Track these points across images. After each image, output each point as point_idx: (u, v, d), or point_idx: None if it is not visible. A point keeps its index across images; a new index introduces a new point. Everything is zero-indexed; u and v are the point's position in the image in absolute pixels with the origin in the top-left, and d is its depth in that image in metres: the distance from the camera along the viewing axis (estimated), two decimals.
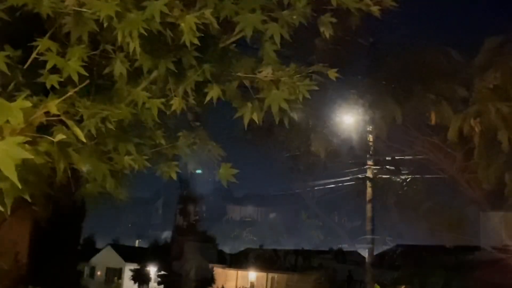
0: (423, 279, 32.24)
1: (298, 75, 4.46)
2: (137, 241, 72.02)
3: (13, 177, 2.26)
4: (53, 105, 2.93)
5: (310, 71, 4.54)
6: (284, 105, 4.36)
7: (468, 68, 10.36)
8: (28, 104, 2.48)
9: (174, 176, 4.70)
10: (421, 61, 10.15)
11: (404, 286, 34.41)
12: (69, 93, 3.28)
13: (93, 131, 3.76)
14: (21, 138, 2.34)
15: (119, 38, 3.75)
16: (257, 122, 4.62)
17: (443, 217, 13.42)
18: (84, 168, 3.78)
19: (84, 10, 3.67)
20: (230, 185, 4.73)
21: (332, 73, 4.55)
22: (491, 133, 9.55)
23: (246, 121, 4.54)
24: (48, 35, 3.80)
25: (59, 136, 2.75)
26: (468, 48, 10.78)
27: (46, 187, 3.15)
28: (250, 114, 4.51)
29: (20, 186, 2.30)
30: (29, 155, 2.27)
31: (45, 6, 3.57)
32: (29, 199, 2.57)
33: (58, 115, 3.16)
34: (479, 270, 28.63)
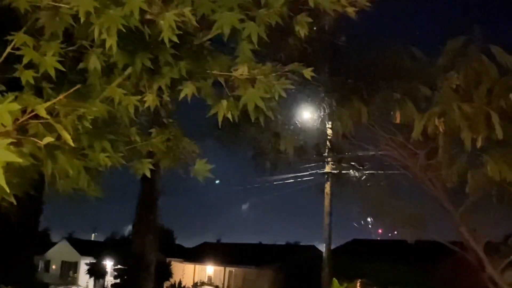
0: (380, 273, 32.83)
1: (274, 74, 4.47)
2: (93, 235, 71.16)
3: (1, 180, 2.20)
4: (42, 109, 2.87)
5: (286, 70, 4.56)
6: (260, 104, 4.36)
7: (431, 68, 10.56)
8: (16, 107, 2.43)
9: (148, 174, 4.67)
10: (386, 60, 10.29)
11: (360, 280, 34.98)
12: (60, 96, 3.21)
13: (70, 129, 3.71)
14: (7, 140, 2.28)
15: (96, 34, 3.70)
16: (231, 120, 4.62)
17: (405, 213, 13.67)
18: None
19: (62, 5, 3.61)
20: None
21: (308, 72, 4.58)
22: (455, 132, 9.75)
23: (220, 118, 4.53)
24: (23, 29, 3.72)
25: (47, 139, 2.69)
26: (432, 48, 11.01)
27: (30, 188, 3.10)
28: (225, 111, 4.51)
29: (8, 191, 2.24)
30: (16, 158, 2.21)
31: (23, 1, 3.50)
32: (14, 202, 2.52)
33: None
34: (437, 264, 29.32)
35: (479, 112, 9.65)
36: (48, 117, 3.01)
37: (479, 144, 9.66)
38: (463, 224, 12.68)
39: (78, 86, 4.02)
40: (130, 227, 41.18)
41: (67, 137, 2.94)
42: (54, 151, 3.10)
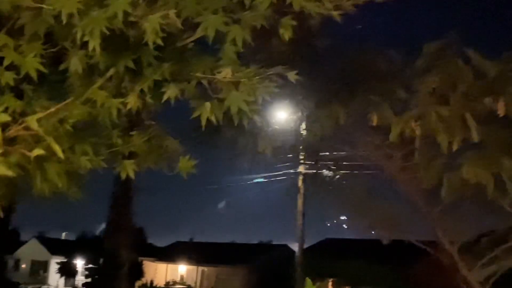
0: (353, 272, 33.05)
1: (257, 77, 4.44)
2: (63, 234, 70.35)
3: None
4: (34, 121, 2.79)
5: (270, 73, 4.53)
6: (244, 107, 4.34)
7: (409, 71, 10.63)
8: (6, 118, 2.35)
9: (132, 175, 4.62)
10: (364, 63, 10.34)
11: (332, 279, 35.19)
12: (52, 109, 3.13)
13: (52, 133, 3.63)
14: None
15: (78, 36, 3.63)
16: (214, 122, 4.59)
17: (381, 214, 13.77)
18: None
19: (44, 6, 3.53)
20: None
21: (292, 76, 4.57)
22: (431, 135, 9.83)
23: (203, 121, 4.49)
24: (4, 30, 3.63)
25: (37, 151, 2.62)
26: (410, 51, 11.07)
27: (15, 198, 3.02)
28: (208, 114, 4.47)
29: None
30: (6, 171, 2.14)
31: (5, 2, 3.42)
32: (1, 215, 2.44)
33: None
34: (412, 264, 29.60)
35: (455, 115, 9.73)
36: (39, 129, 2.93)
37: (455, 147, 9.74)
38: (438, 225, 12.81)
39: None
40: (101, 226, 40.84)
41: (58, 150, 2.87)
42: (43, 163, 3.02)
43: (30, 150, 2.78)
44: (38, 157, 2.81)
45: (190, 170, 4.56)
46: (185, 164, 4.58)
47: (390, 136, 10.05)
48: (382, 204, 13.97)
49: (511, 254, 13.39)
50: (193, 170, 4.56)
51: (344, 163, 13.98)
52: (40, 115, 3.11)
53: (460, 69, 10.28)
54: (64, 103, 3.93)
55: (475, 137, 9.64)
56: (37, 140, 3.16)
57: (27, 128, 2.92)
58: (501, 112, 9.96)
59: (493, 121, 10.26)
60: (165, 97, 4.39)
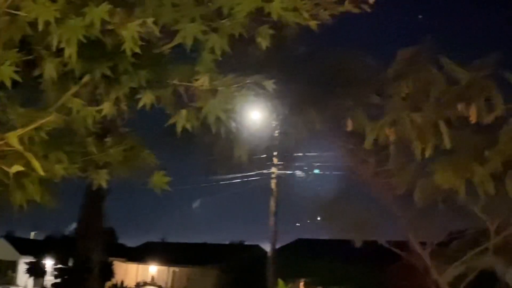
0: (325, 273, 33.20)
1: (235, 85, 4.42)
2: (32, 233, 69.29)
3: None
4: (14, 138, 2.73)
5: (247, 81, 4.51)
6: (222, 115, 4.32)
7: (383, 77, 10.72)
8: None
9: (104, 184, 4.55)
10: (339, 69, 10.39)
11: (304, 279, 35.32)
12: (29, 127, 3.05)
13: (26, 141, 3.56)
14: None
15: (55, 43, 3.57)
16: (189, 130, 4.55)
17: (354, 217, 13.88)
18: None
19: (20, 13, 3.46)
20: None
21: (269, 84, 4.55)
22: (405, 141, 9.93)
23: (179, 128, 4.46)
24: None
25: (16, 168, 2.56)
26: (383, 57, 11.19)
27: None
28: (184, 121, 4.43)
29: None
30: None
31: None
32: None
33: None
34: (384, 266, 29.85)
35: (428, 122, 9.85)
36: (20, 147, 2.87)
37: (428, 153, 9.87)
38: (410, 228, 12.96)
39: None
40: (71, 226, 40.37)
41: (38, 167, 2.80)
42: (23, 179, 2.96)
43: (10, 166, 2.72)
44: (17, 173, 2.75)
45: (163, 187, 4.50)
46: (159, 179, 4.50)
47: (365, 143, 10.13)
48: (355, 207, 14.08)
49: (481, 256, 13.61)
50: (166, 186, 4.50)
51: (317, 165, 14.07)
52: (20, 132, 3.04)
53: (433, 75, 10.41)
54: (38, 110, 3.86)
55: (447, 143, 9.78)
56: (17, 157, 3.10)
57: (7, 144, 2.86)
58: (473, 118, 10.12)
59: (465, 127, 10.42)
60: (140, 104, 4.34)
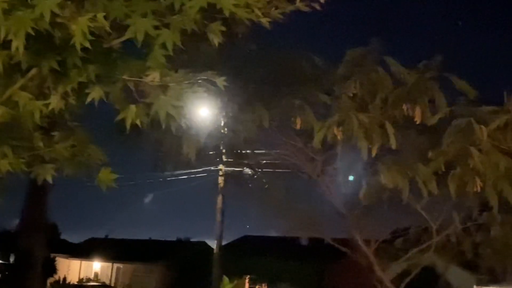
0: (271, 269, 33.40)
1: (186, 82, 4.40)
2: None
3: None
4: None
5: (199, 78, 4.50)
6: (172, 112, 4.29)
7: (331, 77, 10.84)
8: None
9: (50, 179, 4.45)
10: (288, 67, 10.45)
11: (249, 276, 35.43)
12: None
13: None
14: None
15: (2, 35, 3.48)
16: (139, 126, 4.51)
17: (300, 215, 14.01)
18: None
19: None
20: None
21: (221, 82, 4.55)
22: (352, 141, 10.08)
23: (128, 124, 4.40)
24: None
25: None
26: (332, 57, 11.32)
27: None
28: (133, 117, 4.38)
29: None
30: None
31: None
32: None
33: None
34: (329, 263, 30.23)
35: (374, 121, 10.03)
36: None
37: (374, 152, 10.05)
38: (356, 227, 13.17)
39: None
40: (12, 221, 39.34)
41: None
42: None
43: None
44: None
45: (110, 184, 4.43)
46: (106, 176, 4.44)
47: (314, 142, 10.23)
48: (301, 205, 14.22)
49: (423, 254, 13.96)
50: (113, 184, 4.44)
51: (265, 162, 14.12)
52: None
53: (380, 76, 10.60)
54: None
55: (393, 143, 9.98)
56: None
57: None
58: (418, 119, 10.36)
59: (410, 128, 10.66)
60: (89, 99, 4.27)
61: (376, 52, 10.79)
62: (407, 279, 13.89)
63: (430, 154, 10.17)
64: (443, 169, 10.11)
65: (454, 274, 25.14)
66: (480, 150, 9.63)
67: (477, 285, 25.74)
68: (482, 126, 9.71)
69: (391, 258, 13.99)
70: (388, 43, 10.81)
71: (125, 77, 4.43)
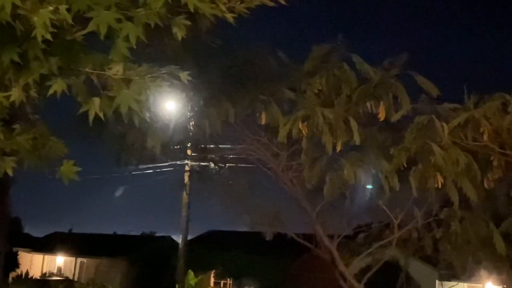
0: (235, 264, 33.50)
1: (149, 76, 4.40)
2: None
3: None
4: None
5: (162, 72, 4.50)
6: (135, 106, 4.28)
7: (297, 73, 10.90)
8: None
9: (11, 172, 4.41)
10: (253, 62, 10.47)
11: (215, 270, 35.48)
12: None
13: None
14: None
15: None
16: (103, 119, 4.49)
17: (265, 210, 14.08)
18: None
19: None
20: None
21: (185, 76, 4.55)
22: (316, 136, 10.17)
23: (91, 117, 4.39)
24: None
25: None
26: (298, 53, 11.38)
27: None
28: (96, 110, 4.36)
29: None
30: None
31: None
32: None
33: None
34: (293, 258, 30.41)
35: (339, 118, 10.13)
36: None
37: (338, 148, 10.16)
38: (319, 222, 13.29)
39: None
40: None
41: None
42: None
43: None
44: None
45: (73, 177, 4.41)
46: (68, 169, 4.41)
47: (278, 136, 10.29)
48: (265, 200, 14.29)
49: (385, 249, 14.17)
50: (75, 176, 4.41)
51: (230, 157, 14.13)
52: None
53: (345, 73, 10.70)
54: None
55: (357, 139, 10.10)
56: None
57: None
58: (381, 116, 10.51)
59: (374, 124, 10.80)
60: (51, 91, 4.24)
61: (342, 49, 10.90)
62: (369, 274, 14.07)
63: (392, 150, 10.31)
64: (405, 165, 10.26)
65: (418, 269, 25.61)
66: (441, 147, 9.79)
67: (439, 280, 26.24)
68: (444, 123, 9.89)
69: (354, 253, 14.17)
70: (354, 41, 10.92)
71: (87, 69, 4.41)
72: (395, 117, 10.35)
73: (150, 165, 25.57)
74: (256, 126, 11.21)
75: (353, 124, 10.06)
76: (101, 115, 4.33)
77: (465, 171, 10.03)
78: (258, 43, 10.74)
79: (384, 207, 12.68)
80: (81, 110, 4.34)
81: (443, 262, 14.95)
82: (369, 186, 11.76)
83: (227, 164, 14.77)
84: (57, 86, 4.25)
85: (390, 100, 10.47)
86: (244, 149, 12.72)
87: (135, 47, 4.22)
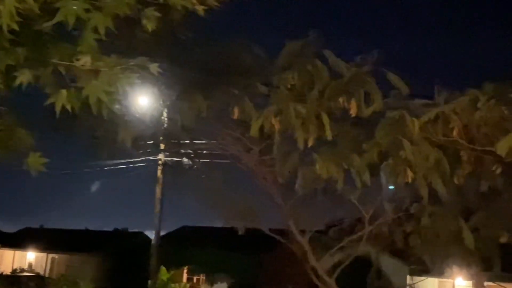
0: (209, 260, 33.45)
1: (119, 67, 4.36)
2: None
3: None
4: None
5: (131, 63, 4.46)
6: (103, 97, 4.25)
7: (270, 67, 10.89)
8: None
9: None
10: (227, 57, 10.45)
11: (187, 266, 35.40)
12: None
13: None
14: None
15: None
16: (70, 110, 4.44)
17: (237, 205, 14.09)
18: None
19: None
20: None
21: (154, 68, 4.53)
22: (289, 131, 10.19)
23: (58, 108, 4.34)
24: None
25: None
26: (272, 48, 11.36)
27: None
28: (64, 101, 4.31)
29: None
30: None
31: None
32: None
33: None
34: (266, 253, 30.48)
35: (311, 112, 10.16)
36: None
37: (310, 143, 10.19)
38: (291, 217, 13.35)
39: None
40: None
41: None
42: None
43: None
44: None
45: (39, 168, 4.37)
46: (35, 160, 4.37)
47: (250, 130, 10.29)
48: (239, 195, 14.30)
49: (356, 244, 14.29)
50: (42, 168, 4.37)
51: (203, 152, 14.11)
52: None
53: (317, 68, 10.71)
54: None
55: (328, 134, 10.14)
56: None
57: None
58: (353, 111, 10.55)
59: (346, 119, 10.85)
60: (17, 82, 4.19)
61: (315, 44, 10.90)
62: (340, 268, 14.19)
63: (364, 145, 10.38)
64: (377, 160, 10.34)
65: (390, 265, 25.86)
66: (412, 142, 9.88)
67: (410, 275, 26.53)
68: (414, 119, 9.98)
69: (326, 248, 14.25)
70: (327, 36, 10.92)
71: (55, 60, 4.36)
72: (366, 113, 10.41)
73: (124, 160, 25.44)
74: (230, 120, 11.18)
75: (325, 119, 10.10)
76: (69, 107, 4.28)
77: (435, 166, 10.14)
78: (232, 38, 10.71)
79: (356, 202, 12.79)
80: (48, 102, 4.29)
81: (413, 257, 15.11)
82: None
83: (200, 159, 14.74)
84: (24, 77, 4.21)
85: (362, 95, 10.52)
86: (218, 143, 12.70)
87: (104, 38, 4.18)
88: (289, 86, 10.47)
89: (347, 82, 10.59)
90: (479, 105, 9.96)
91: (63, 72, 4.40)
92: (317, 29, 10.85)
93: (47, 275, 42.06)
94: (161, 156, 24.61)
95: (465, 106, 10.01)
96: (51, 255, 45.52)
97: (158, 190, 28.50)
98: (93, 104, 4.26)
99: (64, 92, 4.27)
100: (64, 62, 4.33)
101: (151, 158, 25.48)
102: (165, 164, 25.36)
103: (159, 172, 27.16)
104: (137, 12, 4.57)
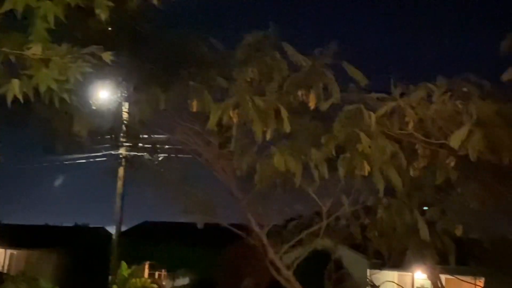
0: (170, 255, 33.39)
1: (70, 56, 4.34)
2: None
3: None
4: None
5: (84, 52, 4.44)
6: (53, 85, 4.22)
7: (229, 60, 10.91)
8: None
9: None
10: (186, 49, 10.43)
11: (149, 262, 35.24)
12: None
13: None
14: None
15: None
16: (21, 101, 4.40)
17: (196, 199, 14.07)
18: None
19: None
20: None
21: (107, 56, 4.52)
22: (247, 124, 10.22)
23: (9, 98, 4.29)
24: None
25: None
26: (231, 41, 11.37)
27: None
28: (16, 91, 4.27)
29: None
30: None
31: None
32: None
33: None
34: (226, 247, 30.53)
35: (270, 106, 10.20)
36: None
37: (268, 136, 10.24)
38: (250, 210, 13.40)
39: None
40: None
41: None
42: None
43: None
44: None
45: None
46: None
47: (208, 123, 10.29)
48: (197, 189, 14.29)
49: (314, 237, 14.42)
50: None
51: (163, 147, 14.06)
52: None
53: (276, 61, 10.77)
54: None
55: (287, 127, 10.20)
56: None
57: None
58: (312, 104, 10.64)
59: (305, 113, 10.93)
60: None
61: (274, 37, 10.95)
62: (298, 261, 14.31)
63: (322, 139, 10.46)
64: (334, 154, 10.43)
65: (350, 259, 26.20)
66: (368, 135, 9.99)
67: (370, 269, 26.91)
68: (371, 112, 10.10)
69: (284, 242, 14.35)
70: (287, 29, 10.98)
71: (5, 49, 4.31)
72: (324, 106, 10.50)
73: (83, 155, 25.16)
74: (188, 114, 11.16)
75: (284, 112, 10.16)
76: (20, 97, 4.24)
77: (391, 159, 10.28)
78: (191, 30, 10.69)
79: (314, 196, 12.89)
80: None
81: (371, 250, 15.31)
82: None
83: (159, 153, 14.69)
84: None
85: (320, 89, 10.60)
86: (177, 137, 12.66)
87: (53, 27, 4.15)
88: (248, 79, 10.50)
89: (306, 75, 10.66)
90: (434, 99, 10.13)
91: (14, 62, 4.35)
92: (276, 21, 10.91)
93: (5, 271, 41.34)
94: (122, 150, 24.41)
95: (420, 99, 10.17)
96: (9, 251, 44.73)
97: (119, 185, 28.30)
98: (44, 93, 4.22)
99: (16, 81, 4.23)
100: (15, 51, 4.28)
101: (112, 152, 25.25)
102: (126, 158, 25.18)
103: (120, 167, 26.94)
104: (90, 1, 4.54)
